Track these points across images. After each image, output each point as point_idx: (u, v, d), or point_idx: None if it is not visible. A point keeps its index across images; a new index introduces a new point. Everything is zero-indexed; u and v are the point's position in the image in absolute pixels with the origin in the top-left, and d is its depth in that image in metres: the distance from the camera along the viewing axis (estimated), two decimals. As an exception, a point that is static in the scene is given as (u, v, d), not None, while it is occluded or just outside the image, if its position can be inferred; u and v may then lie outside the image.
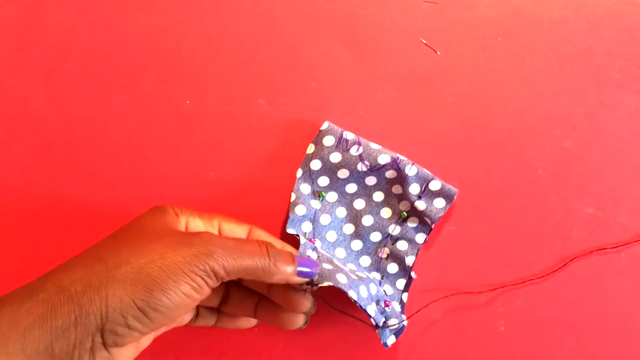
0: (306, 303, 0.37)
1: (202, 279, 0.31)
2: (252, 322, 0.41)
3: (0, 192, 0.45)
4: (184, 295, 0.30)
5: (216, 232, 0.37)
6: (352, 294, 0.37)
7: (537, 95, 0.45)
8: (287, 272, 0.35)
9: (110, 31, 0.46)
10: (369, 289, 0.39)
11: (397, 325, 0.40)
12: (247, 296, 0.39)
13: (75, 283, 0.29)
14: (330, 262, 0.39)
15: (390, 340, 0.40)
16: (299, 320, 0.38)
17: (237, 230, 0.38)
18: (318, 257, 0.39)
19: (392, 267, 0.43)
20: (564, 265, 0.43)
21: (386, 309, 0.41)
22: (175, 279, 0.30)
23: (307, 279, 0.36)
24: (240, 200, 0.44)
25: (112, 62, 0.46)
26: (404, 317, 0.41)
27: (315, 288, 0.37)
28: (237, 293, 0.39)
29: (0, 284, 0.44)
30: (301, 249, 0.39)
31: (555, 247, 0.44)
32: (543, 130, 0.45)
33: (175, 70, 0.46)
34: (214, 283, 0.32)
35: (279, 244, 0.39)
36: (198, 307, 0.39)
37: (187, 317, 0.38)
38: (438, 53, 0.46)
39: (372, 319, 0.39)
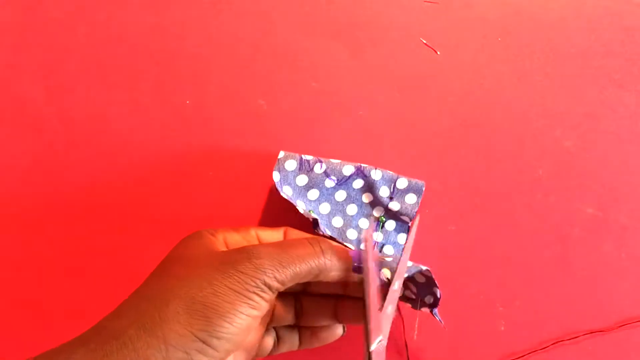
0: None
1: (257, 294, 0.29)
2: (338, 332, 0.38)
3: (0, 192, 0.45)
4: (244, 315, 0.29)
5: (255, 242, 0.35)
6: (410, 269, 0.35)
7: (537, 95, 0.45)
8: (343, 267, 0.32)
9: (110, 31, 0.46)
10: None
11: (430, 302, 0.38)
12: (323, 301, 0.37)
13: (127, 328, 0.27)
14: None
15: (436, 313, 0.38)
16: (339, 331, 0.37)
17: (274, 235, 0.36)
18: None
19: (387, 273, 0.42)
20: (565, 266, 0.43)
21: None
22: (230, 301, 0.28)
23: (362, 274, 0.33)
24: (241, 200, 0.44)
25: (111, 62, 0.46)
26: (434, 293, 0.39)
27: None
28: (311, 301, 0.37)
29: (0, 284, 0.44)
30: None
31: (555, 247, 0.44)
32: (543, 130, 0.45)
33: (175, 70, 0.46)
34: (270, 296, 0.30)
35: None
36: (277, 330, 0.37)
37: (267, 345, 0.36)
38: (438, 53, 0.45)
39: (437, 291, 0.36)
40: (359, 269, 0.33)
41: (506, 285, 0.43)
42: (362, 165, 0.42)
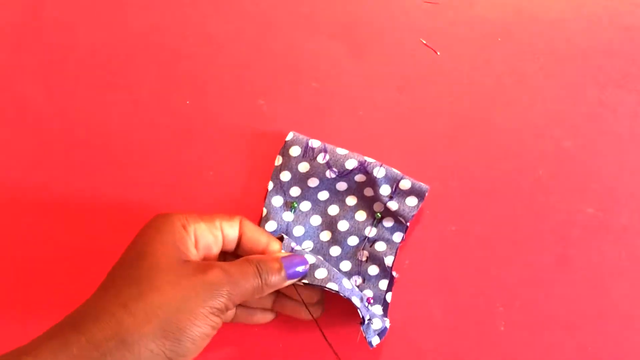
0: (314, 295, 0.40)
1: (219, 317, 0.34)
2: (269, 317, 0.42)
3: (0, 192, 0.45)
4: (206, 335, 0.33)
5: (219, 233, 0.38)
6: (331, 286, 0.38)
7: (537, 95, 0.45)
8: (278, 282, 0.37)
9: (110, 31, 0.46)
10: (352, 283, 0.40)
11: (380, 327, 0.40)
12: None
13: (109, 340, 0.31)
14: (314, 255, 0.40)
15: (375, 340, 0.40)
16: (316, 310, 0.41)
17: (234, 225, 0.39)
18: (302, 249, 0.40)
19: (373, 269, 0.43)
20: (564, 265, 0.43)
21: (368, 305, 0.41)
22: (198, 325, 0.33)
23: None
24: (241, 199, 0.44)
25: (111, 61, 0.46)
26: (386, 319, 0.41)
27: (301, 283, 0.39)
28: None
29: (0, 284, 0.44)
30: (285, 243, 0.40)
31: (556, 247, 0.44)
32: (543, 130, 0.45)
33: (175, 70, 0.46)
34: (225, 316, 0.36)
35: (264, 238, 0.40)
36: None
37: None
38: (438, 53, 0.45)
39: (358, 310, 0.39)
40: (293, 276, 0.38)
41: (506, 285, 0.43)
42: (367, 161, 0.42)
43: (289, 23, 0.46)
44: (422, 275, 0.43)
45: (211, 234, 0.38)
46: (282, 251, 0.40)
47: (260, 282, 0.36)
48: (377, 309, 0.42)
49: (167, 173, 0.45)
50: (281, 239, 0.41)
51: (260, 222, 0.43)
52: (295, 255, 0.39)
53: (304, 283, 0.39)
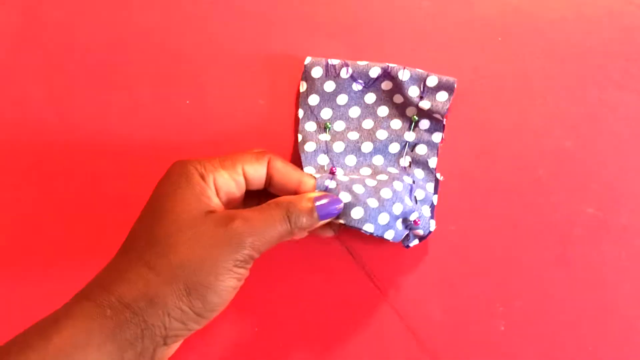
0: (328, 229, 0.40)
1: (244, 268, 0.34)
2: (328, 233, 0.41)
3: (0, 192, 0.45)
4: (232, 288, 0.34)
5: (241, 178, 0.37)
6: (367, 228, 0.38)
7: (537, 95, 0.45)
8: (309, 225, 0.36)
9: (110, 31, 0.46)
10: (403, 200, 0.40)
11: (424, 233, 0.41)
12: None
13: (138, 300, 0.32)
14: (350, 190, 0.39)
15: (413, 242, 0.42)
16: (328, 232, 0.41)
17: (258, 168, 0.38)
18: (337, 185, 0.39)
19: (419, 173, 0.43)
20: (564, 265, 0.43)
21: (415, 226, 0.41)
22: (223, 280, 0.33)
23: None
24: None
25: (111, 61, 0.46)
26: (432, 222, 0.42)
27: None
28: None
29: (0, 284, 0.44)
30: (318, 182, 0.39)
31: (556, 247, 0.44)
32: (543, 130, 0.45)
33: (175, 70, 0.46)
34: (250, 265, 0.35)
35: (296, 175, 0.39)
36: None
37: None
38: (438, 53, 0.45)
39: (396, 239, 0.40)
40: (326, 216, 0.37)
41: (506, 285, 0.43)
42: (390, 65, 0.43)
43: (289, 23, 0.46)
44: (422, 275, 0.43)
45: (233, 180, 0.36)
46: (316, 191, 0.39)
47: (289, 226, 0.35)
48: (425, 210, 0.42)
49: (167, 173, 0.45)
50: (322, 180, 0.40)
51: (299, 147, 0.43)
52: (328, 195, 0.38)
53: (339, 223, 0.38)
